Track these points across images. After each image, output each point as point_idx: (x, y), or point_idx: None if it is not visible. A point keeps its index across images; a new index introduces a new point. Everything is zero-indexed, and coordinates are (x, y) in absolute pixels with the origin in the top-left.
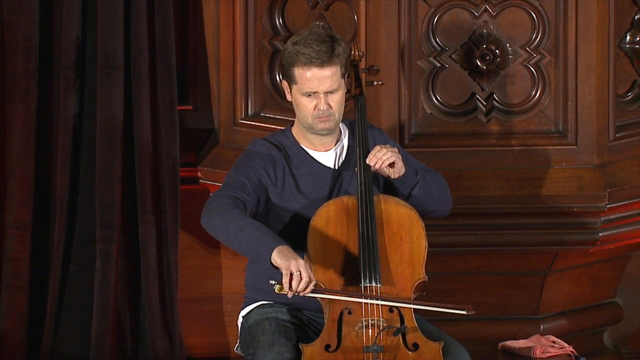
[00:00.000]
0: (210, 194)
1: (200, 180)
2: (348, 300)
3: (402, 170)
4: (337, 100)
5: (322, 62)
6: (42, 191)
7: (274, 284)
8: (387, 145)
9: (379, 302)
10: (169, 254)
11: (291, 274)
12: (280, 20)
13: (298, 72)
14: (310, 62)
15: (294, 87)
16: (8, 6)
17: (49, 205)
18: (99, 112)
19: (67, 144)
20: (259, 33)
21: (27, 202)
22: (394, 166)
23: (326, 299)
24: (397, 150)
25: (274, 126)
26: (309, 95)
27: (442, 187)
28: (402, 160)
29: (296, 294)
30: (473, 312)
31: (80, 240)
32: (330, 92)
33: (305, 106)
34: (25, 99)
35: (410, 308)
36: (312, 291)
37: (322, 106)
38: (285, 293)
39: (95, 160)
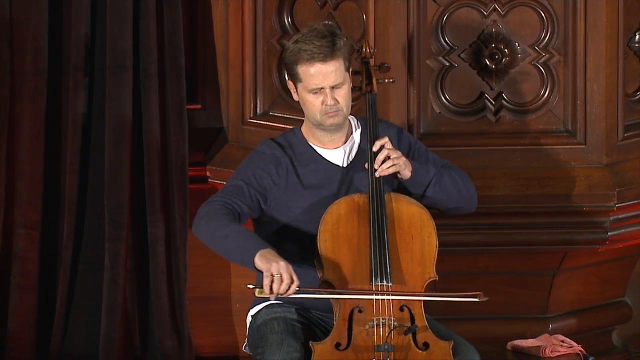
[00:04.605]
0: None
1: (209, 180)
2: (337, 299)
3: (408, 175)
4: (343, 95)
5: (325, 57)
6: (51, 190)
7: (253, 287)
8: (395, 150)
9: (382, 297)
10: (178, 253)
11: (272, 277)
12: (289, 20)
13: (302, 69)
14: (313, 58)
15: (300, 86)
16: (17, 6)
17: (58, 204)
18: (108, 111)
19: (77, 144)
20: (267, 32)
21: (36, 201)
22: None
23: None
24: (403, 156)
25: (283, 125)
26: (315, 92)
27: (463, 184)
28: (422, 157)
29: (278, 296)
30: (486, 298)
31: (89, 240)
32: (336, 87)
33: (313, 103)
34: (35, 98)
35: (421, 305)
36: (296, 292)
37: (330, 101)
38: (267, 296)
39: (105, 160)
